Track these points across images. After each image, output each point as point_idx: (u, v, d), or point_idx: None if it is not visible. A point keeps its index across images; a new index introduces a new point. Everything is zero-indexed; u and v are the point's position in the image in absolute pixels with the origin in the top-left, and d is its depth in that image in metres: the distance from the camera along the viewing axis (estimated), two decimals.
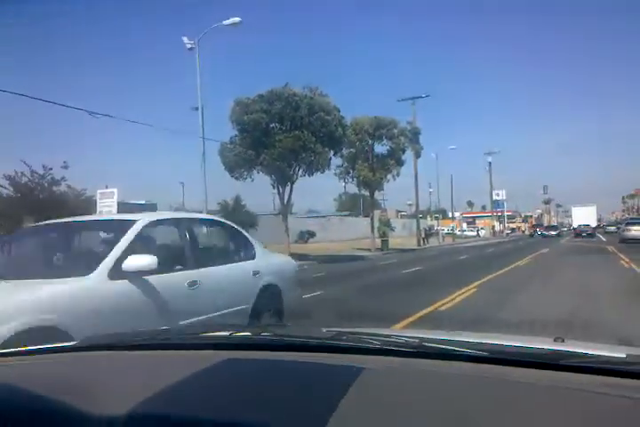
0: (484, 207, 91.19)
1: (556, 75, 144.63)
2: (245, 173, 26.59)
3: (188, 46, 21.83)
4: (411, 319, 9.10)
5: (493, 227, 79.02)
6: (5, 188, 19.27)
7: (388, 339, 1.78)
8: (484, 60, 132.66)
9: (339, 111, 27.01)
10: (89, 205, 20.62)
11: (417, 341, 1.73)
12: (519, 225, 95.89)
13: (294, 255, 27.49)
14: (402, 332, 3.25)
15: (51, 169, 19.42)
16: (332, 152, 27.61)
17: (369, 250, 35.89)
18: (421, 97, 46.28)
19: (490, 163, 73.34)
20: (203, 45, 22.10)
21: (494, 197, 77.38)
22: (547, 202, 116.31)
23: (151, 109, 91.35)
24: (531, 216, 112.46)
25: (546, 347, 1.69)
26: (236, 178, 26.78)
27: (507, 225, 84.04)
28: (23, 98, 16.27)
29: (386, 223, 38.94)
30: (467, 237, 69.97)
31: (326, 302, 12.09)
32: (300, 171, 26.78)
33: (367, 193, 40.14)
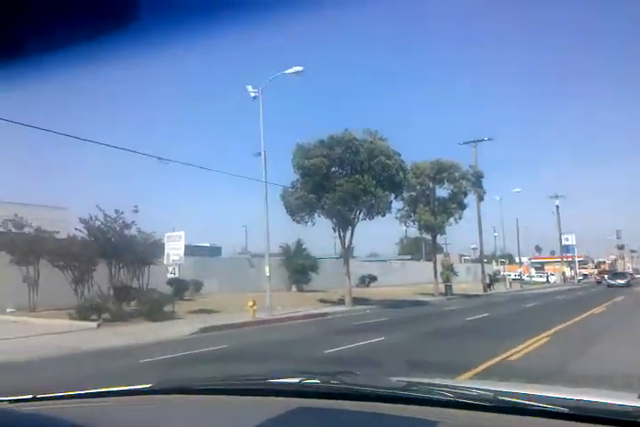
0: (552, 252, 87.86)
1: (627, 116, 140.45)
2: (307, 216, 26.87)
3: (252, 95, 22.63)
4: (478, 369, 8.73)
5: (563, 273, 75.89)
6: (81, 231, 20.20)
7: (460, 391, 1.73)
8: (551, 100, 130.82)
9: (399, 155, 27.11)
10: (157, 249, 21.30)
11: (491, 394, 1.66)
12: (591, 271, 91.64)
13: (356, 299, 27.38)
14: (473, 383, 3.12)
15: (122, 213, 20.25)
16: (392, 196, 27.60)
17: (432, 295, 35.11)
18: (483, 140, 45.93)
19: (557, 206, 71.27)
20: (266, 92, 22.85)
21: (563, 242, 74.64)
22: (620, 247, 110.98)
23: (216, 155, 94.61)
24: (604, 262, 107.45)
25: (631, 404, 1.59)
26: (298, 221, 27.08)
27: (578, 271, 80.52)
28: (98, 146, 17.19)
29: (449, 268, 38.17)
30: (535, 283, 67.33)
31: (390, 349, 11.82)
32: (361, 214, 26.82)
33: (429, 237, 39.59)
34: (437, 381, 2.13)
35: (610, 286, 52.86)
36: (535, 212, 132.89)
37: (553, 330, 14.22)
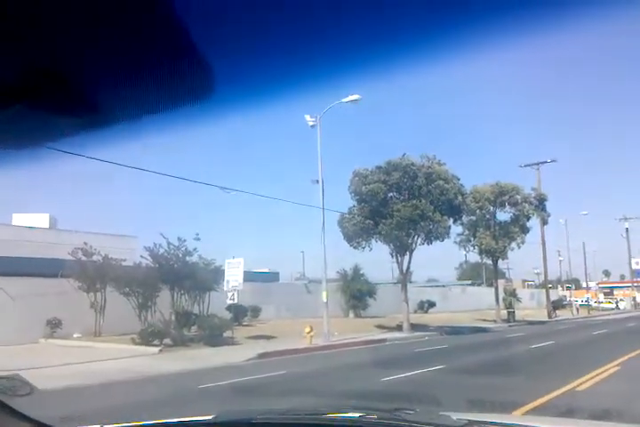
0: (622, 277, 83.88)
1: None
2: (364, 242, 26.84)
3: (310, 124, 23.06)
4: (543, 400, 8.44)
5: (634, 298, 72.25)
6: (146, 258, 20.94)
7: None
8: (618, 119, 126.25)
9: (458, 179, 26.86)
10: (217, 275, 21.76)
11: None
12: None
13: (414, 326, 26.94)
14: (532, 421, 3.02)
15: (185, 241, 20.94)
16: (451, 220, 27.25)
17: (494, 321, 34.10)
18: (546, 162, 44.71)
19: (627, 229, 68.30)
20: (323, 120, 23.23)
21: (634, 266, 71.20)
22: None
23: (275, 182, 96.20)
24: None
25: None
26: (355, 247, 27.07)
27: None
28: (165, 177, 17.89)
29: (511, 293, 37.04)
30: (604, 309, 64.34)
31: (449, 378, 11.56)
32: (419, 239, 26.59)
33: (489, 262, 38.66)
34: (497, 418, 2.13)
35: None
36: (604, 235, 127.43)
37: (622, 359, 13.56)
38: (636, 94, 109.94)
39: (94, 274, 20.51)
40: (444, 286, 54.64)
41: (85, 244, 20.99)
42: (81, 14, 1.27)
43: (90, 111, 1.52)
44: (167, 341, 18.75)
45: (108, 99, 1.53)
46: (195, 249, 21.19)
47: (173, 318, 20.38)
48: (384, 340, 22.56)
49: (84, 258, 20.82)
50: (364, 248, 27.04)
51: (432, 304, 42.10)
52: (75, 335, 20.62)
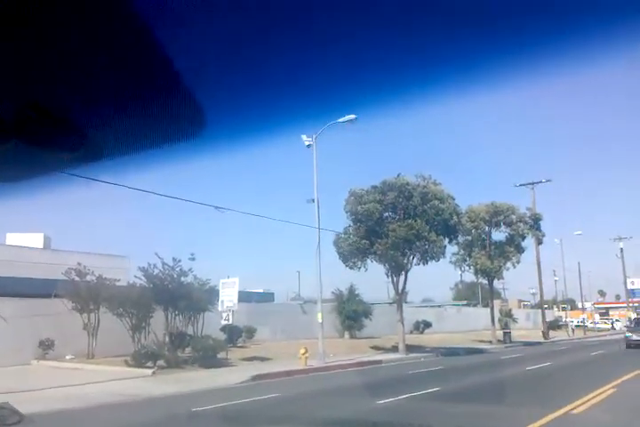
0: (617, 297, 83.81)
1: None
2: (359, 262, 26.78)
3: (306, 144, 23.19)
4: (541, 422, 8.38)
5: (630, 319, 72.07)
6: (140, 278, 20.82)
7: None
8: (613, 139, 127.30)
9: (453, 199, 26.94)
10: (212, 295, 21.63)
11: None
12: None
13: (410, 347, 26.74)
14: None
15: (179, 261, 20.83)
16: (446, 240, 27.26)
17: (489, 342, 33.92)
18: (541, 182, 44.93)
19: (621, 249, 68.41)
20: (319, 140, 23.36)
21: (629, 286, 71.18)
22: None
23: (270, 202, 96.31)
24: None
25: None
26: (350, 267, 27.00)
27: None
28: (158, 197, 17.88)
29: (507, 314, 37.00)
30: (600, 329, 64.15)
31: (445, 400, 11.46)
32: (415, 259, 26.56)
33: (485, 281, 38.61)
34: None
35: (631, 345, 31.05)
36: (599, 254, 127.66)
37: (618, 381, 13.48)
38: (631, 113, 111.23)
39: (88, 294, 20.34)
40: (439, 306, 54.42)
41: (79, 264, 20.86)
42: (78, 56, 1.30)
43: (84, 146, 1.55)
44: (161, 362, 18.55)
45: (101, 135, 1.57)
46: (189, 269, 21.10)
47: (167, 339, 20.20)
48: (379, 361, 22.39)
49: (77, 278, 20.68)
50: (359, 268, 26.98)
51: (428, 325, 41.89)
52: (67, 357, 20.39)
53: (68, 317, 20.27)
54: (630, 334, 31.46)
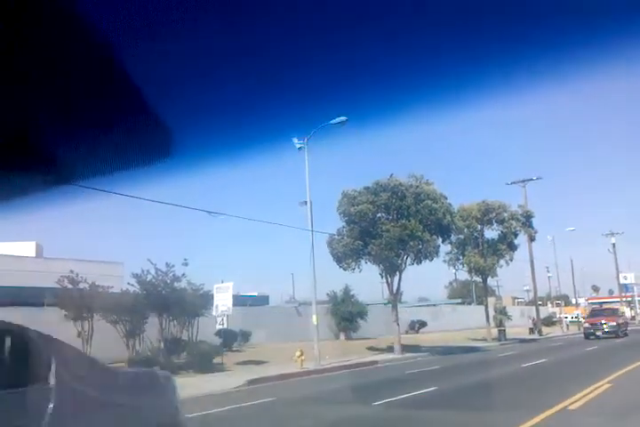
0: (611, 292, 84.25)
1: None
2: (353, 263, 26.76)
3: (298, 146, 23.13)
4: (537, 420, 8.40)
5: (623, 313, 72.51)
6: (133, 285, 20.72)
7: None
8: (607, 134, 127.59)
9: (445, 198, 26.98)
10: (206, 300, 21.55)
11: None
12: None
13: (406, 347, 26.76)
14: None
15: (173, 266, 20.74)
16: (440, 239, 27.30)
17: (484, 340, 33.99)
18: (532, 179, 45.05)
19: (614, 244, 68.82)
20: (311, 142, 23.32)
21: (622, 281, 71.63)
22: None
23: (263, 204, 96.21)
24: None
25: None
26: (345, 268, 26.97)
27: (639, 311, 76.82)
28: (152, 204, 17.79)
29: (502, 311, 37.03)
30: None
31: (442, 399, 11.48)
32: (409, 259, 26.57)
33: (479, 279, 38.68)
34: None
35: (590, 336, 33.87)
36: (591, 249, 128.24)
37: (614, 375, 13.55)
38: (622, 113, 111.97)
39: (80, 302, 20.20)
40: (434, 305, 54.52)
41: (72, 271, 20.71)
42: (48, 84, 1.31)
43: (55, 170, 1.56)
44: (156, 368, 18.44)
45: (71, 159, 1.58)
46: (183, 274, 21.01)
47: (162, 345, 20.11)
48: (375, 362, 22.38)
49: (70, 286, 20.54)
50: (353, 269, 26.97)
51: (423, 324, 41.93)
52: None
53: (61, 325, 20.12)
54: (588, 326, 34.69)
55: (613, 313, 37.03)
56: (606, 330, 33.54)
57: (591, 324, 34.88)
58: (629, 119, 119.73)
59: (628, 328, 37.75)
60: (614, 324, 34.12)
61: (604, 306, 48.60)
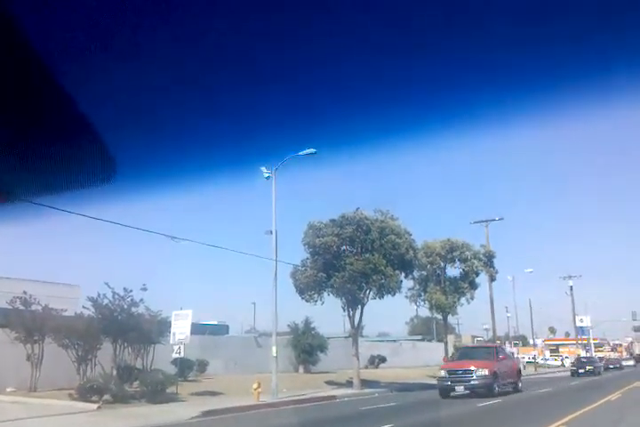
0: (567, 334, 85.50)
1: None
2: (316, 295, 26.64)
3: (266, 175, 23.20)
4: None
5: (579, 355, 73.48)
6: (88, 309, 20.15)
7: None
8: (564, 179, 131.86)
9: (410, 234, 27.28)
10: (163, 327, 21.07)
11: None
12: (607, 354, 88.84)
13: (365, 382, 26.50)
14: None
15: (131, 291, 20.28)
16: (403, 275, 27.46)
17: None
18: (494, 220, 45.98)
19: (571, 287, 70.09)
20: (278, 173, 23.41)
21: (578, 324, 72.66)
22: (637, 329, 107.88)
23: (228, 233, 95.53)
24: (620, 344, 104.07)
25: None
26: (307, 300, 26.80)
27: (594, 354, 78.02)
28: (114, 226, 17.50)
29: (508, 352, 37.15)
30: (550, 366, 65.15)
31: None
32: (371, 293, 26.58)
33: (440, 317, 38.91)
34: None
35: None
36: (549, 291, 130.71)
37: (568, 418, 13.63)
38: (583, 153, 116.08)
39: (32, 324, 19.52)
40: (395, 340, 54.42)
41: (25, 293, 20.07)
42: None
43: None
44: (107, 397, 17.82)
45: (11, 179, 1.61)
46: (141, 300, 20.59)
47: (114, 372, 19.49)
48: (334, 397, 22.10)
49: (22, 307, 19.86)
50: (316, 301, 26.82)
51: (383, 359, 41.70)
52: (8, 389, 19.40)
53: (10, 347, 19.37)
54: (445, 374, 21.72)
55: (489, 355, 23.29)
56: (473, 383, 20.89)
57: (450, 372, 21.61)
58: (594, 161, 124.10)
59: (522, 377, 26.33)
60: (485, 373, 20.96)
61: (487, 344, 39.91)
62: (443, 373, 22.01)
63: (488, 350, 24.84)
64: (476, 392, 20.79)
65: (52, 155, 1.57)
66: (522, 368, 41.79)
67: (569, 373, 44.22)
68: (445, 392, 21.23)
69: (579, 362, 46.29)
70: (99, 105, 1.54)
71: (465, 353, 25.47)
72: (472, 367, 21.18)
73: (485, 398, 19.45)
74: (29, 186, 1.68)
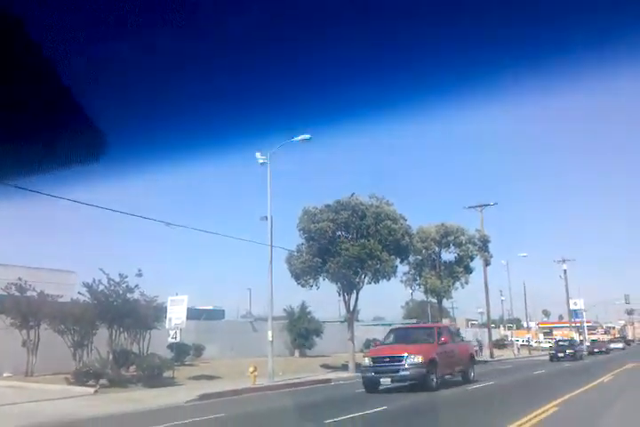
0: (561, 317, 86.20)
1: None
2: (311, 280, 26.74)
3: (261, 161, 23.11)
4: None
5: (572, 338, 74.21)
6: (83, 295, 20.18)
7: None
8: (560, 164, 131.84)
9: (405, 220, 27.34)
10: (159, 312, 21.14)
11: None
12: (600, 337, 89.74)
13: (360, 365, 26.64)
14: None
15: (126, 277, 20.31)
16: (398, 259, 27.57)
17: None
18: (489, 204, 46.00)
19: (565, 271, 70.54)
20: (273, 158, 23.31)
21: (572, 307, 73.26)
22: (629, 312, 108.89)
23: (222, 218, 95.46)
24: (613, 327, 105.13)
25: None
26: (302, 285, 26.90)
27: (587, 337, 78.80)
28: (111, 212, 17.47)
29: (455, 333, 37.46)
30: (544, 348, 65.78)
31: (392, 419, 11.49)
32: (366, 278, 26.69)
33: (435, 300, 39.17)
34: None
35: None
36: (544, 275, 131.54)
37: (562, 399, 13.79)
38: (579, 140, 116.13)
39: (27, 310, 19.56)
40: (390, 324, 54.73)
41: (20, 279, 20.07)
42: None
43: None
44: (103, 381, 17.94)
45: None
46: (136, 286, 20.60)
47: (111, 357, 19.58)
48: (329, 380, 22.29)
49: (17, 293, 19.88)
50: (311, 286, 26.93)
51: None
52: (5, 374, 19.51)
53: (6, 333, 19.42)
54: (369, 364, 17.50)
55: (428, 337, 18.99)
56: (402, 373, 16.93)
57: (375, 359, 17.64)
58: (589, 148, 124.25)
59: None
60: (419, 361, 16.83)
61: (426, 324, 32.32)
62: (367, 361, 17.78)
63: (428, 331, 19.86)
64: (408, 385, 16.97)
65: (38, 133, 1.54)
66: (477, 352, 35.15)
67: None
68: (371, 385, 17.08)
69: (557, 345, 42.52)
70: (90, 85, 1.51)
71: (400, 335, 19.77)
72: (404, 354, 16.94)
73: (422, 391, 16.03)
74: (14, 166, 1.66)
